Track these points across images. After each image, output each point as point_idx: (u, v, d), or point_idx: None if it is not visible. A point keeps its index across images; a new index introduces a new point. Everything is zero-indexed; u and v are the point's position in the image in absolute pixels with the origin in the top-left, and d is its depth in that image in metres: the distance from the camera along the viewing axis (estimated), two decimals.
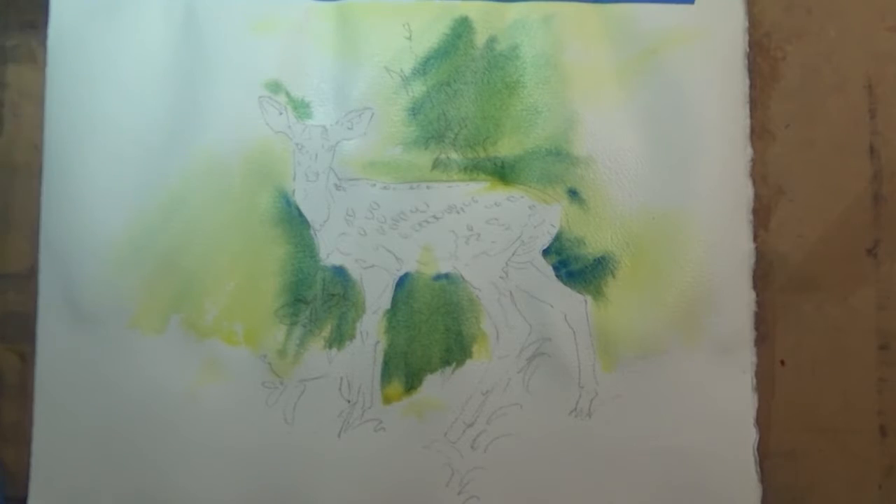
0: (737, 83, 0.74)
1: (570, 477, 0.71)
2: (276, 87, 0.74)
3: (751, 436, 0.71)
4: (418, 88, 0.74)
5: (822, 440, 0.72)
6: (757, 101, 0.74)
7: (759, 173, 0.74)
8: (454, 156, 0.74)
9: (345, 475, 0.72)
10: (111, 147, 0.74)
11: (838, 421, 0.72)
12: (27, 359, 0.75)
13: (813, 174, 0.74)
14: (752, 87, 0.74)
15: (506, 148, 0.74)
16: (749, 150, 0.73)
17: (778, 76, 0.75)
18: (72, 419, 0.73)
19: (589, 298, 0.72)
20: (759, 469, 0.71)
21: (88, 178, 0.74)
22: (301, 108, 0.74)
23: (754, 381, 0.72)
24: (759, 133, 0.74)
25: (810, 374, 0.72)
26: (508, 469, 0.71)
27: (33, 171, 0.75)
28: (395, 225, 0.73)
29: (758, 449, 0.71)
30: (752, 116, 0.74)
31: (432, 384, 0.72)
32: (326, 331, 0.73)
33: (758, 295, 0.72)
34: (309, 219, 0.74)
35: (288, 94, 0.74)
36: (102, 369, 0.73)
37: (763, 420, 0.71)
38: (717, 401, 0.71)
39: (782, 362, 0.72)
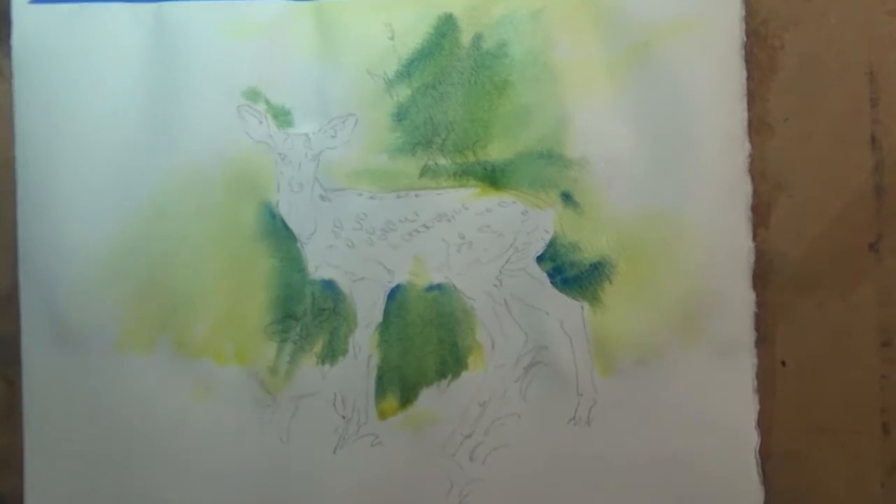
0: (734, 75, 0.71)
1: (570, 486, 0.70)
2: (254, 94, 0.71)
3: (752, 439, 0.70)
4: (403, 92, 0.71)
5: (823, 440, 0.71)
6: (755, 94, 0.71)
7: (758, 169, 0.71)
8: (443, 161, 0.71)
9: (342, 492, 0.71)
10: (86, 163, 0.71)
11: (840, 420, 0.71)
12: (13, 383, 0.73)
13: (813, 168, 0.72)
14: (749, 79, 0.71)
15: (496, 151, 0.71)
16: (747, 146, 0.71)
17: (776, 67, 0.72)
18: (63, 445, 0.72)
19: (585, 305, 0.70)
20: (760, 472, 0.70)
21: (64, 196, 0.71)
22: (282, 117, 0.72)
23: (755, 382, 0.71)
24: (758, 127, 0.71)
25: (811, 373, 0.71)
26: (508, 480, 0.71)
27: (8, 189, 0.73)
28: (384, 236, 0.71)
29: (759, 451, 0.70)
30: (749, 110, 0.71)
31: (428, 397, 0.71)
32: (318, 346, 0.71)
33: (758, 295, 0.71)
34: (295, 231, 0.72)
35: (267, 102, 0.71)
36: (91, 393, 0.72)
37: (764, 422, 0.70)
38: (717, 404, 0.70)
39: (783, 363, 0.71)
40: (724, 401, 0.70)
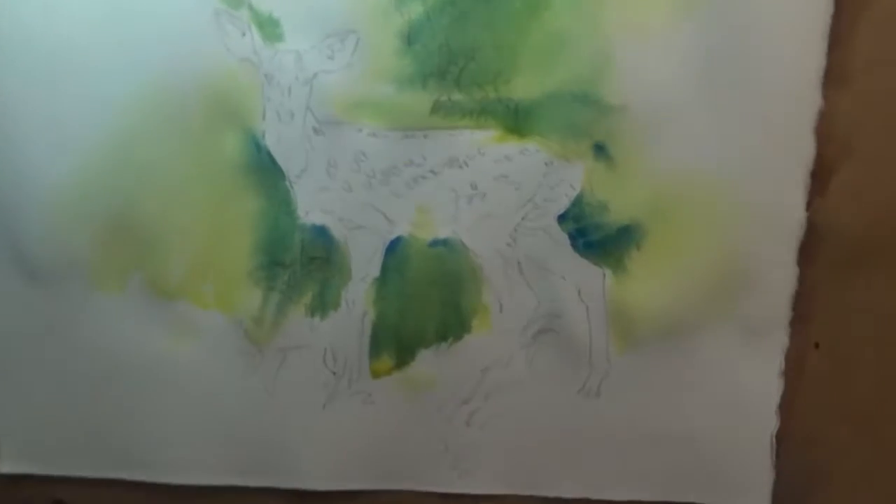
0: (817, 11, 0.58)
1: (573, 456, 0.67)
2: None
3: (771, 423, 0.65)
4: (415, 9, 0.59)
5: (845, 427, 0.66)
6: (838, 37, 0.59)
7: (825, 128, 0.60)
8: (458, 97, 0.60)
9: (331, 447, 0.67)
10: (47, 88, 0.60)
11: (867, 408, 0.66)
12: None
13: (888, 130, 0.61)
14: (834, 17, 0.59)
15: (521, 88, 0.60)
16: (819, 100, 0.60)
17: (869, 1, 0.59)
18: (34, 380, 0.67)
19: (608, 272, 0.63)
20: (774, 457, 0.66)
21: (25, 124, 0.61)
22: (269, 28, 0.60)
23: (782, 364, 0.65)
24: (834, 78, 0.60)
25: (845, 358, 0.65)
26: (506, 446, 0.66)
27: None
28: (385, 180, 0.62)
29: (776, 435, 0.66)
30: (828, 57, 0.59)
31: (426, 359, 0.65)
32: (307, 297, 0.64)
33: (801, 271, 0.63)
34: (283, 167, 0.62)
35: (251, 8, 0.59)
36: (62, 330, 0.66)
37: (786, 405, 0.65)
38: (739, 386, 0.65)
39: (816, 345, 0.65)
40: (747, 382, 0.65)
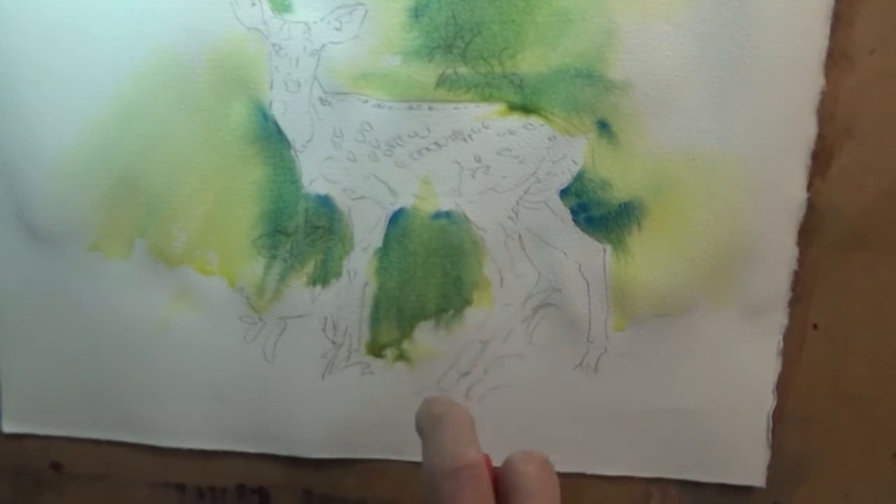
0: None
1: (569, 430, 0.67)
2: None
3: (767, 402, 0.66)
4: None
5: (842, 407, 0.67)
6: (840, 17, 0.60)
7: (827, 110, 0.61)
8: (463, 70, 0.61)
9: (330, 416, 0.67)
10: (51, 52, 0.61)
11: (864, 389, 0.66)
12: None
13: (890, 113, 0.62)
14: None
15: (527, 63, 0.61)
16: (820, 81, 0.61)
17: None
18: (37, 343, 0.68)
19: (608, 248, 0.63)
20: (770, 435, 0.66)
21: (29, 88, 0.62)
22: None
23: (781, 344, 0.65)
24: (836, 59, 0.61)
25: (843, 339, 0.65)
26: (504, 419, 0.67)
27: None
28: (389, 151, 0.62)
29: (773, 414, 0.66)
30: (830, 37, 0.60)
31: (425, 331, 0.65)
32: (309, 266, 0.65)
33: (800, 252, 0.63)
34: (289, 137, 0.63)
35: None
36: (65, 292, 0.66)
37: (783, 384, 0.66)
38: (737, 364, 0.65)
39: (815, 326, 0.65)
40: (744, 361, 0.65)
